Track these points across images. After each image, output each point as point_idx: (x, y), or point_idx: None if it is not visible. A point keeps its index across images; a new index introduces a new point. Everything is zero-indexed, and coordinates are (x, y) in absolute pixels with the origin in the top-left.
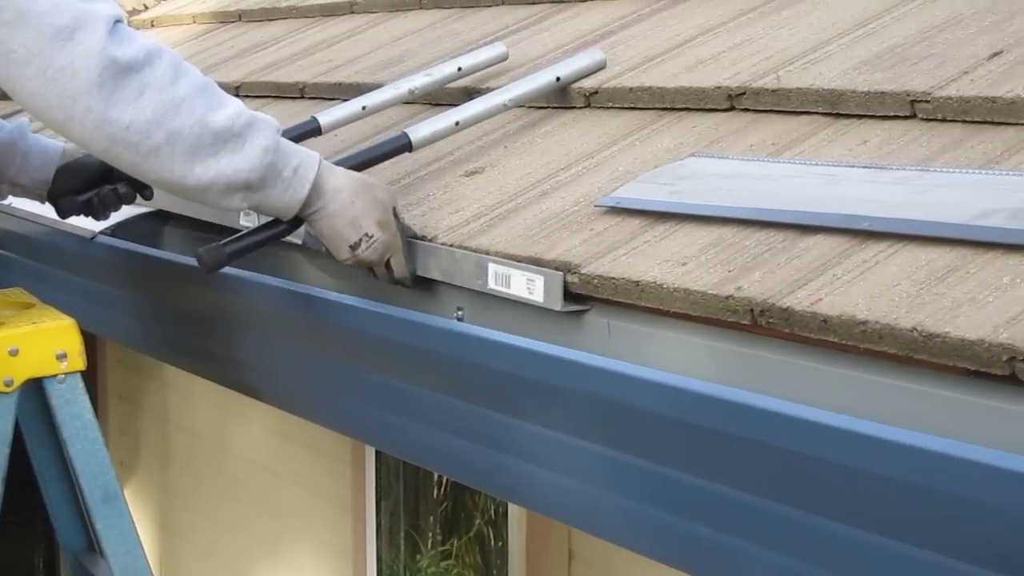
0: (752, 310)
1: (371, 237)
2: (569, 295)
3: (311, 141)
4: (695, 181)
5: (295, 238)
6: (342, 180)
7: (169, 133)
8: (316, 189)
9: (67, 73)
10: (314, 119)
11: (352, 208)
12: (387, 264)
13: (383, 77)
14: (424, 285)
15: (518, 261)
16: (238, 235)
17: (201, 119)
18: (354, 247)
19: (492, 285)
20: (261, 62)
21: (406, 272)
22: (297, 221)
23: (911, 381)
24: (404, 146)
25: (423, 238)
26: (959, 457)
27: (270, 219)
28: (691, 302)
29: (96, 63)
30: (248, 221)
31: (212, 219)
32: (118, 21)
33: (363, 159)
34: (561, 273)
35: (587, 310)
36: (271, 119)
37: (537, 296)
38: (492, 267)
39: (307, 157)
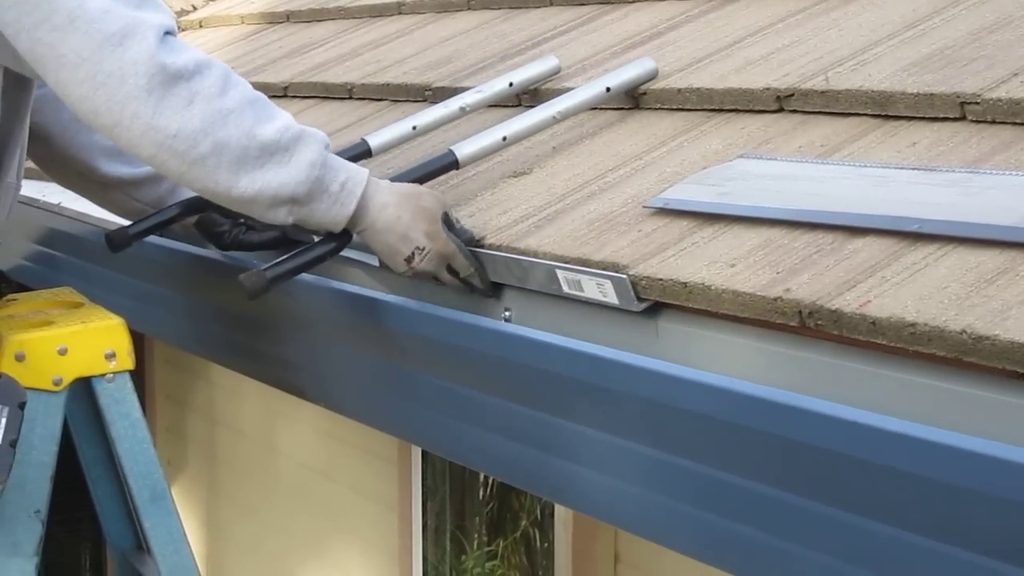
0: (800, 312)
1: (423, 249)
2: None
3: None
4: (744, 182)
5: (368, 259)
6: (388, 195)
7: (216, 143)
8: (363, 205)
9: (116, 79)
10: (364, 141)
11: (399, 223)
12: (450, 269)
13: (431, 78)
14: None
15: (565, 262)
16: (281, 259)
17: (249, 131)
18: (409, 260)
19: (566, 290)
20: (309, 63)
21: (471, 271)
22: (341, 245)
23: (960, 384)
24: (451, 164)
25: (479, 243)
26: (1009, 460)
27: (315, 240)
28: (739, 303)
29: (145, 70)
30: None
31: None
32: (168, 32)
33: (409, 179)
34: (626, 276)
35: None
36: (320, 134)
37: (611, 298)
38: (561, 274)
39: (355, 173)
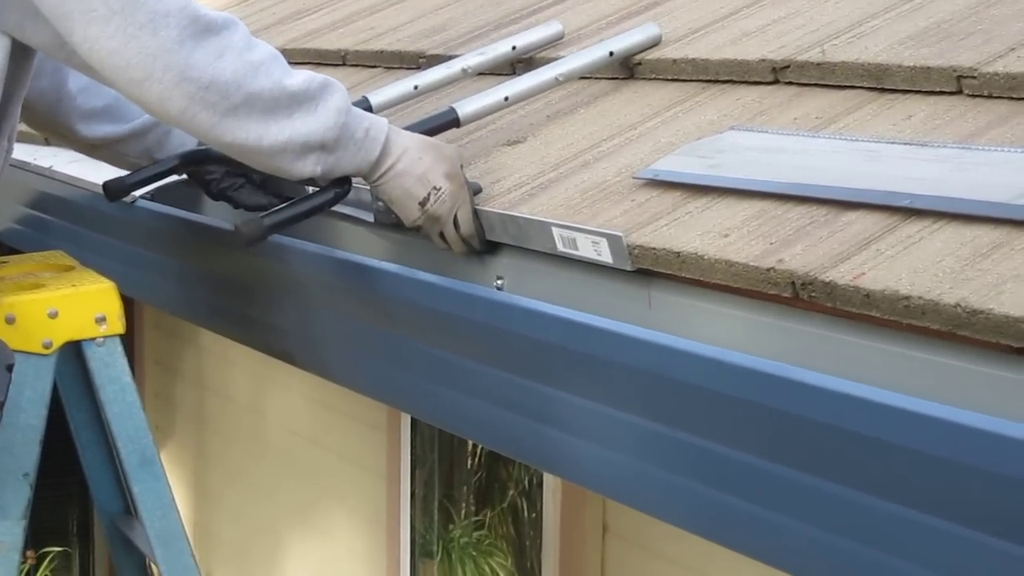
0: (794, 283)
1: (439, 190)
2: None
3: None
4: (734, 155)
5: (366, 215)
6: (409, 140)
7: (248, 94)
8: (386, 150)
9: (148, 31)
10: (365, 98)
11: (419, 164)
12: (455, 222)
13: (425, 46)
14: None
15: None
16: (278, 208)
17: (278, 82)
18: (423, 203)
19: (561, 248)
20: (303, 29)
21: (472, 227)
22: (340, 194)
23: (954, 357)
24: (452, 121)
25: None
26: (1000, 434)
27: (311, 191)
28: (732, 274)
29: (176, 21)
30: None
31: None
32: None
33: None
34: (621, 234)
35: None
36: (341, 84)
37: (605, 257)
38: (556, 231)
39: (376, 120)
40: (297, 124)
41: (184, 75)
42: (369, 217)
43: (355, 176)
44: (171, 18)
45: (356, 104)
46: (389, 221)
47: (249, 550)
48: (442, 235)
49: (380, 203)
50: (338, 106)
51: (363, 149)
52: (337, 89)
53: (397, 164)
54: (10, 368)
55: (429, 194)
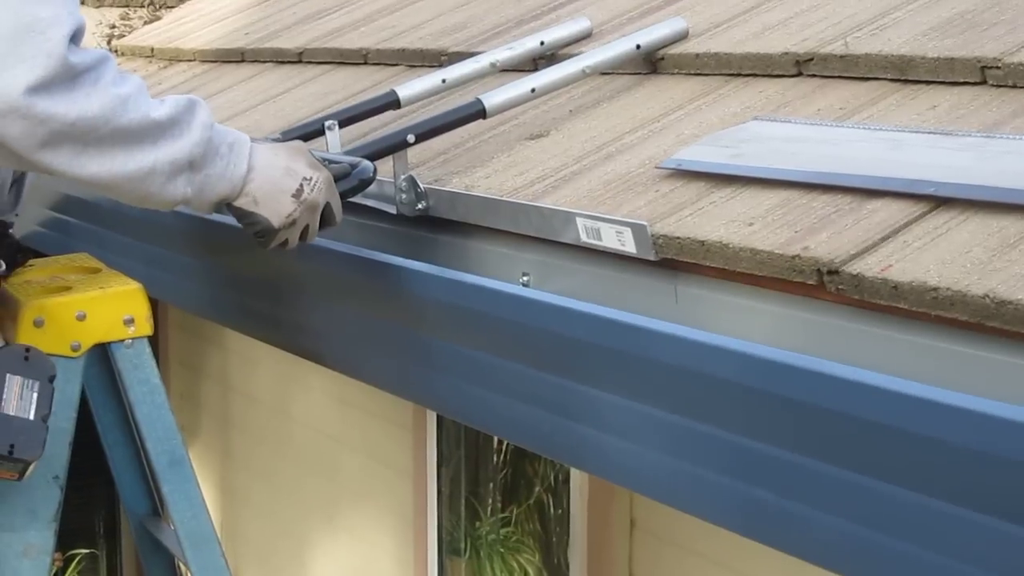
0: (819, 270)
1: (310, 179)
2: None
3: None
4: (757, 144)
5: (388, 207)
6: (264, 144)
7: (115, 128)
8: (252, 163)
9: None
10: (393, 92)
11: (278, 158)
12: (325, 214)
13: (446, 43)
14: (489, 249)
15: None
16: None
17: (146, 114)
18: (297, 194)
19: (585, 238)
20: (324, 28)
21: (340, 215)
22: (364, 181)
23: (982, 348)
24: (478, 112)
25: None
26: None
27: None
28: (757, 262)
29: (55, 63)
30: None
31: None
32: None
33: (435, 125)
34: (647, 223)
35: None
36: (204, 102)
37: (629, 247)
38: (580, 221)
39: (238, 134)
40: (162, 150)
41: (49, 112)
42: (392, 209)
43: (229, 192)
44: (52, 59)
45: (382, 97)
46: (413, 213)
47: (276, 549)
48: (305, 230)
49: (403, 194)
50: (203, 121)
51: (231, 163)
52: (202, 106)
53: (256, 166)
54: (51, 379)
55: (301, 184)
